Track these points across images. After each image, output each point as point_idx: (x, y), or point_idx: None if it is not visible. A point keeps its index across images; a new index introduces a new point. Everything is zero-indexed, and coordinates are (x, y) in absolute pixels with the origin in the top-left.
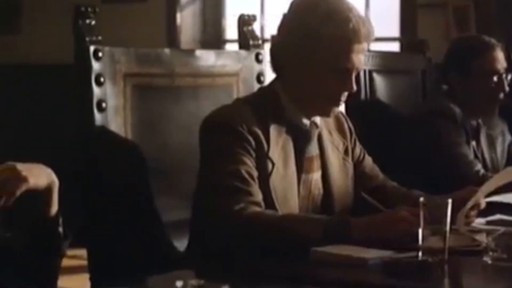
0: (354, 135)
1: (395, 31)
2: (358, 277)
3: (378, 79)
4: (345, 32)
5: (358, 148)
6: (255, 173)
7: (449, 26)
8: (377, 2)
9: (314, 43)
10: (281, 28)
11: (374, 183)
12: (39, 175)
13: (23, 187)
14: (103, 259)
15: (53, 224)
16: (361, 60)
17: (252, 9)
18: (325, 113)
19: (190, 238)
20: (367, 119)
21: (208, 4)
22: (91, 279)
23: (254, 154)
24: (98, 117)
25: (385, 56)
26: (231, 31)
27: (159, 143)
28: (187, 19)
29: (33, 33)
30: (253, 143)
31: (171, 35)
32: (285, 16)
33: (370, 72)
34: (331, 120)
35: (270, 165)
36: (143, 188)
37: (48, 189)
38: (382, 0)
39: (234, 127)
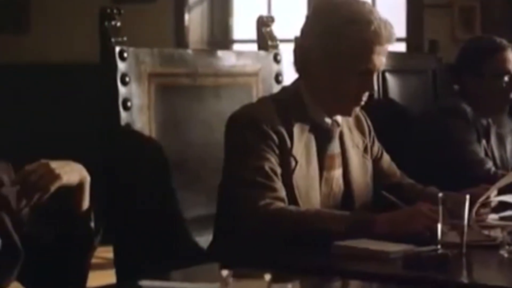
0: (372, 133)
1: (401, 32)
2: (380, 269)
3: (390, 79)
4: (367, 34)
5: (377, 146)
6: (278, 170)
7: (455, 26)
8: (383, 3)
9: (336, 44)
10: (304, 29)
11: (392, 180)
12: (72, 172)
13: (57, 184)
14: (128, 255)
15: (85, 219)
16: (382, 62)
17: (259, 9)
18: (346, 113)
19: (215, 233)
20: (380, 118)
21: (215, 5)
22: (117, 275)
23: (278, 152)
24: (123, 115)
25: (397, 56)
26: (238, 31)
27: (182, 140)
28: (195, 20)
29: (41, 33)
30: (277, 140)
31: (179, 35)
32: (307, 18)
33: (383, 72)
34: (351, 119)
35: (293, 163)
36: (167, 184)
37: (80, 185)
38: (388, 1)
39: (259, 125)
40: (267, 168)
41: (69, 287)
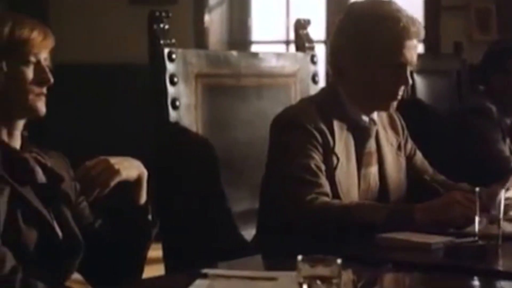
0: (406, 132)
1: None
2: (422, 258)
3: (418, 79)
4: (397, 30)
5: (410, 144)
6: (322, 167)
7: (472, 28)
8: (402, 5)
9: (369, 42)
10: (337, 32)
11: (424, 176)
12: (131, 168)
13: (116, 179)
14: (176, 249)
15: (143, 212)
16: (414, 56)
17: (277, 10)
18: (384, 108)
19: (258, 227)
20: (408, 117)
21: (234, 6)
22: (165, 267)
23: (321, 150)
24: (172, 114)
25: (424, 57)
26: (256, 32)
27: (226, 138)
28: (215, 21)
29: (59, 34)
30: (320, 139)
31: (199, 36)
32: (340, 21)
33: (411, 72)
34: (385, 118)
35: (335, 160)
36: (212, 180)
37: (138, 180)
38: (406, 2)
39: (303, 125)
40: (312, 165)
41: (127, 278)
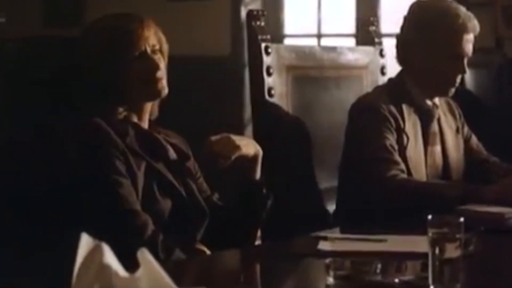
0: (462, 118)
1: None
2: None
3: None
4: (456, 25)
5: (466, 129)
6: (396, 146)
7: (498, 24)
8: None
9: (432, 36)
10: (403, 27)
11: (480, 157)
12: (248, 145)
13: (237, 153)
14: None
15: (259, 186)
16: (470, 48)
17: (309, 4)
18: (444, 93)
19: (337, 203)
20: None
21: (268, 0)
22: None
23: (394, 131)
24: (269, 101)
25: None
26: (289, 26)
27: (311, 122)
28: None
29: None
30: (392, 121)
31: (235, 30)
32: (405, 18)
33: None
34: (445, 105)
35: (405, 139)
36: (300, 159)
37: (254, 157)
38: None
39: (378, 110)
40: (388, 145)
41: (244, 245)
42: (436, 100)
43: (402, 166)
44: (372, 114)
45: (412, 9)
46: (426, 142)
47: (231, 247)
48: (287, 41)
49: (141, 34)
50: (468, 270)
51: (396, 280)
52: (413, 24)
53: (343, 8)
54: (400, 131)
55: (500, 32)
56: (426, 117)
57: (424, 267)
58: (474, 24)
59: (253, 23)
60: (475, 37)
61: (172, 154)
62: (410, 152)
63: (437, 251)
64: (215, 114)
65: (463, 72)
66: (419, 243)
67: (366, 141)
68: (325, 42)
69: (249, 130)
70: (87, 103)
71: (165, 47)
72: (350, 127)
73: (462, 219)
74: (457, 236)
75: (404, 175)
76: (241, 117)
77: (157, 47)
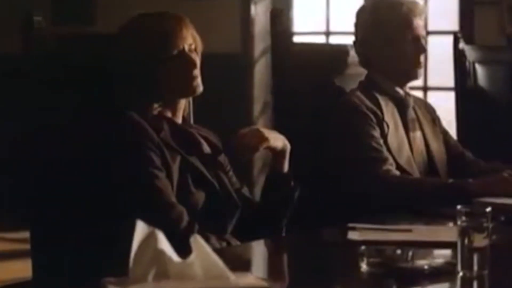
0: (437, 114)
1: (454, 25)
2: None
3: (479, 70)
4: (403, 13)
5: (442, 125)
6: (381, 141)
7: (503, 22)
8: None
9: (387, 29)
10: (358, 33)
11: (457, 150)
12: (276, 138)
13: (264, 145)
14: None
15: (287, 178)
16: (422, 28)
17: (318, 2)
18: (414, 75)
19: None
20: (473, 105)
21: None
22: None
23: (376, 126)
24: None
25: (484, 49)
26: (298, 23)
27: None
28: (260, 11)
29: (106, 25)
30: (372, 116)
31: (245, 27)
32: (356, 24)
33: (473, 63)
34: (419, 102)
35: (386, 128)
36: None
37: (282, 151)
38: None
39: (357, 108)
40: (374, 143)
41: (272, 235)
42: (407, 88)
43: (392, 161)
44: (352, 113)
45: (360, 14)
46: (407, 128)
47: (259, 239)
48: (296, 39)
49: (180, 34)
50: (491, 259)
51: (426, 267)
52: (366, 25)
53: (351, 6)
54: (380, 121)
55: (508, 30)
56: (401, 105)
57: (453, 255)
58: (418, 7)
59: (276, 21)
60: (485, 37)
61: (206, 148)
62: (391, 138)
63: (466, 240)
64: (225, 110)
65: (424, 51)
66: (444, 232)
67: (352, 142)
68: (333, 40)
69: (259, 126)
70: (123, 99)
71: (200, 46)
72: (333, 128)
73: (489, 209)
74: (485, 225)
75: (396, 171)
76: (250, 113)
77: (193, 46)
